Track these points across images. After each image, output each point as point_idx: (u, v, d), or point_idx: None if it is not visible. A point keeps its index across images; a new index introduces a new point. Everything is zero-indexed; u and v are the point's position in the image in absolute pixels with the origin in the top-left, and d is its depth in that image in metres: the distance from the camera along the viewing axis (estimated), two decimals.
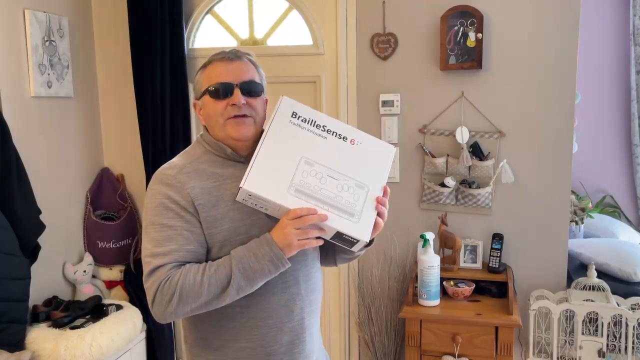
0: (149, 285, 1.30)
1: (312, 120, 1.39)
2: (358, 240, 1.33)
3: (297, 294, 1.42)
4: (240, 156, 1.42)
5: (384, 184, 1.39)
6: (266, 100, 1.46)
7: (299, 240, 1.28)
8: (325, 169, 1.35)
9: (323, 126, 1.39)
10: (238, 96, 1.36)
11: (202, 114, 1.44)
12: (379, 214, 1.35)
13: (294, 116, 1.38)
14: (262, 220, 1.37)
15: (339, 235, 1.33)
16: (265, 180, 1.30)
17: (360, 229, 1.32)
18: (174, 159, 1.44)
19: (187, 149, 1.48)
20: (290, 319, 1.42)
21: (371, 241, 1.40)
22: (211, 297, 1.28)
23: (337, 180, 1.35)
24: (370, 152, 1.40)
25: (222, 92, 1.37)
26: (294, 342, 1.43)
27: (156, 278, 1.29)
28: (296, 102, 1.40)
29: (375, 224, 1.35)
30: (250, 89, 1.39)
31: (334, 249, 1.55)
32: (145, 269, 1.32)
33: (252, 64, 1.43)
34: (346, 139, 1.39)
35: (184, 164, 1.39)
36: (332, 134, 1.39)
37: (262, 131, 1.46)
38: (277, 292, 1.39)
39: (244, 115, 1.38)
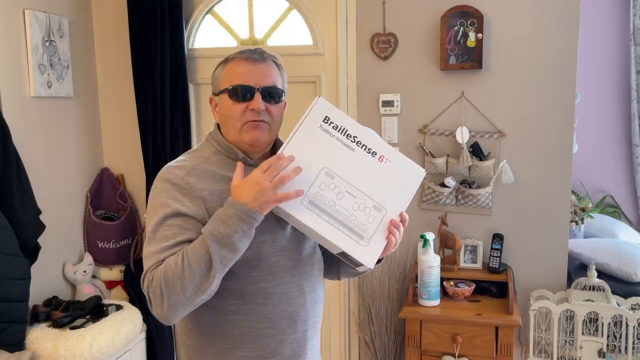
0: (144, 289, 1.26)
1: (344, 129, 1.31)
2: (363, 264, 1.28)
3: (302, 305, 1.38)
4: (252, 160, 1.37)
5: (404, 209, 1.31)
6: (285, 103, 1.41)
7: (276, 195, 1.21)
8: (345, 184, 1.29)
9: (354, 137, 1.31)
10: (258, 101, 1.31)
11: (218, 111, 1.39)
12: (389, 241, 1.29)
13: (325, 121, 1.31)
14: (272, 224, 1.34)
15: (344, 255, 1.28)
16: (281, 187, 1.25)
17: (367, 254, 1.27)
18: (183, 157, 1.39)
19: (195, 147, 1.44)
20: (293, 331, 1.37)
21: (379, 260, 1.35)
22: (199, 278, 1.20)
23: (355, 198, 1.28)
24: (397, 173, 1.32)
25: (242, 94, 1.32)
26: (296, 354, 1.39)
27: (146, 279, 1.26)
28: (331, 106, 1.33)
29: (386, 247, 1.30)
30: (271, 95, 1.33)
31: (339, 263, 1.51)
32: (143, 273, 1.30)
33: (276, 67, 1.37)
34: (375, 154, 1.31)
35: (193, 165, 1.35)
36: (362, 147, 1.31)
37: (277, 137, 1.41)
38: (282, 302, 1.35)
39: (261, 121, 1.33)
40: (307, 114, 1.31)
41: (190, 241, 1.27)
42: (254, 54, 1.35)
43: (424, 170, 1.36)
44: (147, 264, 1.28)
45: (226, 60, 1.38)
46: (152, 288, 1.23)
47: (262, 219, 1.23)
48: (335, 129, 1.31)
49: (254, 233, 1.24)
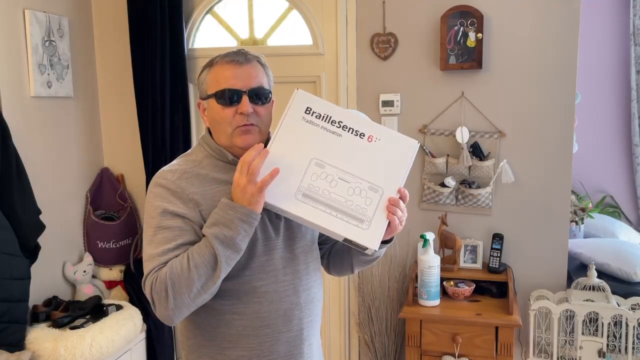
0: (147, 291, 1.27)
1: (327, 116, 1.31)
2: (367, 247, 1.27)
3: (296, 303, 1.39)
4: None
5: (401, 185, 1.30)
6: (272, 101, 1.41)
7: (256, 184, 1.23)
8: (337, 170, 1.28)
9: (339, 122, 1.31)
10: (246, 104, 1.32)
11: (207, 116, 1.40)
12: (390, 220, 1.28)
13: (307, 112, 1.31)
14: (264, 223, 1.36)
15: (348, 241, 1.28)
16: (272, 184, 1.25)
17: (369, 236, 1.26)
18: (175, 162, 1.41)
19: (188, 151, 1.45)
20: (288, 329, 1.38)
21: (391, 239, 1.35)
22: (204, 279, 1.23)
23: (349, 183, 1.28)
24: (388, 150, 1.30)
25: (229, 98, 1.32)
26: (292, 353, 1.40)
27: (149, 281, 1.27)
28: (311, 96, 1.33)
29: (390, 226, 1.29)
30: (259, 96, 1.34)
31: (350, 255, 1.50)
32: (144, 275, 1.31)
33: (261, 67, 1.38)
34: (363, 135, 1.31)
35: (185, 169, 1.36)
36: (348, 131, 1.31)
37: (268, 138, 1.41)
38: (276, 301, 1.36)
39: (251, 125, 1.34)
40: (288, 109, 1.32)
41: (190, 243, 1.29)
42: (238, 56, 1.35)
43: (417, 141, 1.34)
44: (148, 266, 1.29)
45: (210, 64, 1.38)
46: (155, 289, 1.25)
47: (260, 217, 1.26)
48: (319, 118, 1.31)
49: (252, 233, 1.28)
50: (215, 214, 1.26)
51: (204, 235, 1.28)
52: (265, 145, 1.40)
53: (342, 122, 1.31)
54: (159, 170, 1.38)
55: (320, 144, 1.29)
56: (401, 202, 1.30)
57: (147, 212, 1.34)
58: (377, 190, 1.29)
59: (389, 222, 1.29)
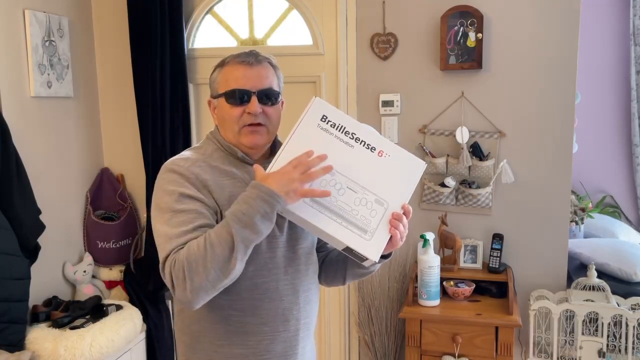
0: (166, 273, 1.24)
1: (342, 127, 1.33)
2: (368, 258, 1.29)
3: (294, 303, 1.40)
4: (252, 159, 1.40)
5: (406, 202, 1.33)
6: (282, 102, 1.43)
7: (303, 188, 1.22)
8: (346, 179, 1.30)
9: (352, 134, 1.33)
10: (255, 105, 1.34)
11: (217, 114, 1.42)
12: (392, 234, 1.30)
13: (323, 120, 1.33)
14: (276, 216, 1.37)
15: (349, 250, 1.30)
16: None
17: (371, 247, 1.28)
18: (185, 152, 1.42)
19: (197, 144, 1.46)
20: (285, 329, 1.39)
21: (389, 254, 1.36)
22: (221, 261, 1.19)
23: (357, 193, 1.30)
24: (397, 167, 1.34)
25: (239, 98, 1.34)
26: (288, 353, 1.40)
27: (168, 263, 1.24)
28: (328, 105, 1.35)
29: (391, 241, 1.30)
30: (268, 97, 1.36)
31: (345, 265, 1.51)
32: (160, 258, 1.27)
33: (271, 68, 1.40)
34: (374, 149, 1.33)
35: (196, 158, 1.37)
36: (360, 143, 1.33)
37: (276, 138, 1.43)
38: (276, 299, 1.37)
39: (258, 124, 1.35)
40: (305, 114, 1.33)
41: (207, 226, 1.27)
42: (249, 57, 1.37)
43: (424, 162, 1.38)
44: (166, 247, 1.26)
45: (222, 64, 1.40)
46: (174, 271, 1.22)
47: (284, 206, 1.23)
48: (334, 127, 1.33)
49: (274, 219, 1.23)
50: (242, 194, 1.24)
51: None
52: (275, 148, 1.43)
53: (355, 134, 1.33)
54: (170, 159, 1.38)
55: (333, 152, 1.31)
56: (404, 217, 1.32)
57: (159, 198, 1.32)
58: (382, 203, 1.31)
59: (391, 236, 1.30)
